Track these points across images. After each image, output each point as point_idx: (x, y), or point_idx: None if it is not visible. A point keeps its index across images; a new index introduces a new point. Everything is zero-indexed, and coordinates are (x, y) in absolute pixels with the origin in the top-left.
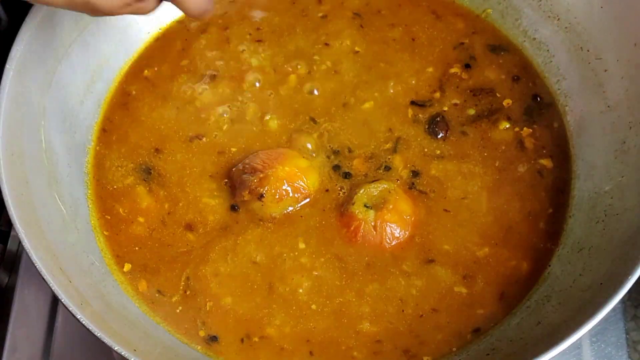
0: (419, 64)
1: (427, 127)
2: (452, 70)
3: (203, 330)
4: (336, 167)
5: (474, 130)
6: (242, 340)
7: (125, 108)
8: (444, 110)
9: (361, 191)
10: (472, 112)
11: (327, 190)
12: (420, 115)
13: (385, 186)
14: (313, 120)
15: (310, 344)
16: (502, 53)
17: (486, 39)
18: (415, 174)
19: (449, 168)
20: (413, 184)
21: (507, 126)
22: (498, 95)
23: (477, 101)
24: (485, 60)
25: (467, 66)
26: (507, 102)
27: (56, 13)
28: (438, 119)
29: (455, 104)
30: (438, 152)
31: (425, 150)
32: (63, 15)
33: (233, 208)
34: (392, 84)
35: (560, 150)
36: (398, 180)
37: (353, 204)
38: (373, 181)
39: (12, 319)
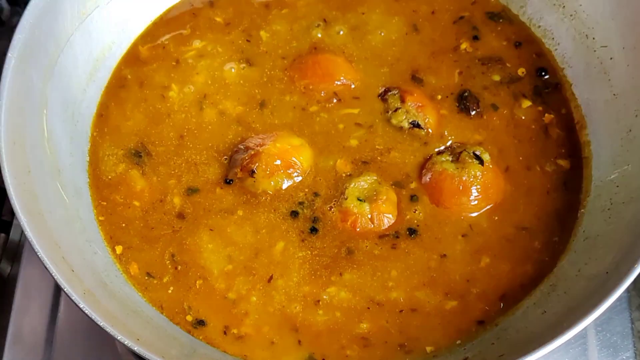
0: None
1: (457, 104)
2: (463, 47)
3: (190, 315)
4: None
5: (502, 103)
6: (224, 331)
7: (120, 93)
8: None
9: (351, 185)
10: (497, 78)
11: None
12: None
13: (375, 178)
14: None
15: (298, 333)
16: (500, 20)
17: (484, 6)
18: None
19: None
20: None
21: (530, 104)
22: (508, 65)
23: (484, 69)
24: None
25: (475, 38)
26: (521, 71)
27: (58, 1)
28: (466, 93)
29: (460, 72)
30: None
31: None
32: (65, 3)
33: (226, 182)
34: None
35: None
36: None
37: (346, 198)
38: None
39: (14, 308)
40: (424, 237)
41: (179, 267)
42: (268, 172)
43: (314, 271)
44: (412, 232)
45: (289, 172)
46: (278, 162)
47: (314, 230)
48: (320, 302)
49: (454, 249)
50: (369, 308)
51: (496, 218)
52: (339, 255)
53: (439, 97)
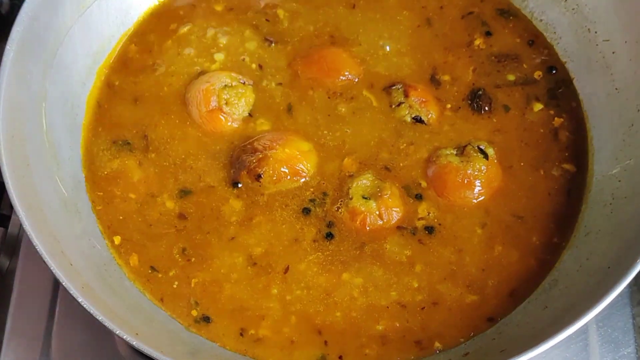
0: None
1: (469, 102)
2: (477, 42)
3: (196, 310)
4: None
5: (514, 105)
6: (241, 333)
7: (113, 86)
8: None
9: (354, 185)
10: (511, 78)
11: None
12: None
13: (375, 175)
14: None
15: (322, 336)
16: (510, 17)
17: (493, 3)
18: None
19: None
20: None
21: (541, 107)
22: (524, 65)
23: (500, 67)
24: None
25: (487, 34)
26: (538, 74)
27: None
28: (480, 92)
29: (474, 69)
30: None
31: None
32: None
33: (235, 185)
34: None
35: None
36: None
37: (351, 198)
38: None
39: (12, 303)
40: (437, 233)
41: (193, 259)
42: (275, 179)
43: (331, 269)
44: (429, 229)
45: (295, 179)
46: (285, 169)
47: (329, 235)
48: (339, 301)
49: (470, 240)
50: (388, 307)
51: (496, 205)
52: (359, 254)
53: (452, 93)
